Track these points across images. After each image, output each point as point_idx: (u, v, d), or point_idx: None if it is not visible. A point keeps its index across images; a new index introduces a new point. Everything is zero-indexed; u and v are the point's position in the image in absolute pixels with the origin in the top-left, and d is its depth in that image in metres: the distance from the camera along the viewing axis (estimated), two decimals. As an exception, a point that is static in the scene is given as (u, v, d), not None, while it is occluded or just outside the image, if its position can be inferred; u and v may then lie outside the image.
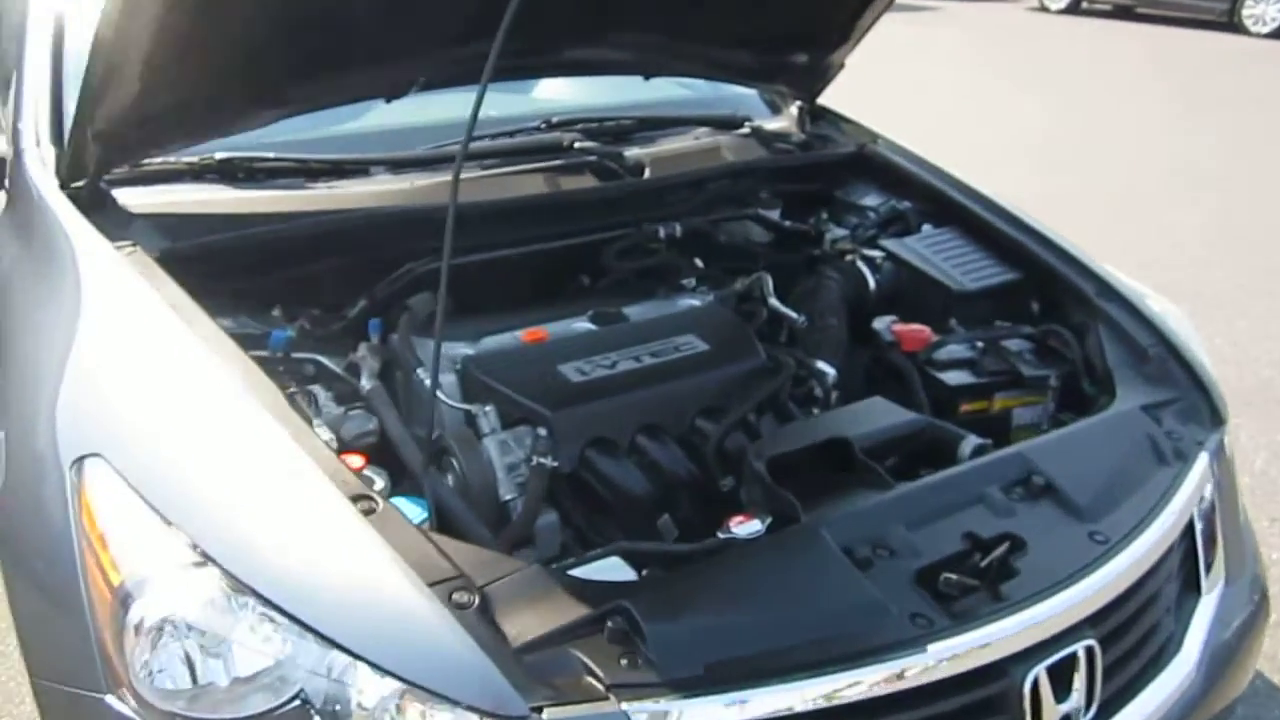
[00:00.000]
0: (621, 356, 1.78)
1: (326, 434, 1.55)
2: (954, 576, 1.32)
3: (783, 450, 1.56)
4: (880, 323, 2.06)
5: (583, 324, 1.92)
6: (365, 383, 1.68)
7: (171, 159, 1.89)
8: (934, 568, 1.34)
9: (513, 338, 1.84)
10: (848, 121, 2.62)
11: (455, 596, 1.18)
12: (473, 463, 1.60)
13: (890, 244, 2.23)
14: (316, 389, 1.69)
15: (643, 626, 1.18)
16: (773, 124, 2.57)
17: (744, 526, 1.40)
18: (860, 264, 2.18)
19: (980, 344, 2.01)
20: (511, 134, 2.24)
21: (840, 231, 2.32)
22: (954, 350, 1.99)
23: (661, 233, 2.18)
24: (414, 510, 1.43)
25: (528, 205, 2.11)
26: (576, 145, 2.25)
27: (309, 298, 1.90)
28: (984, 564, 1.35)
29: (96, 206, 1.75)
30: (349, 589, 1.21)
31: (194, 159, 1.90)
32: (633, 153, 2.30)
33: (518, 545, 1.56)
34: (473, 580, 1.21)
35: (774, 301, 2.08)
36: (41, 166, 1.85)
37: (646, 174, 2.28)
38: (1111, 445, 1.66)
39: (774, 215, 2.40)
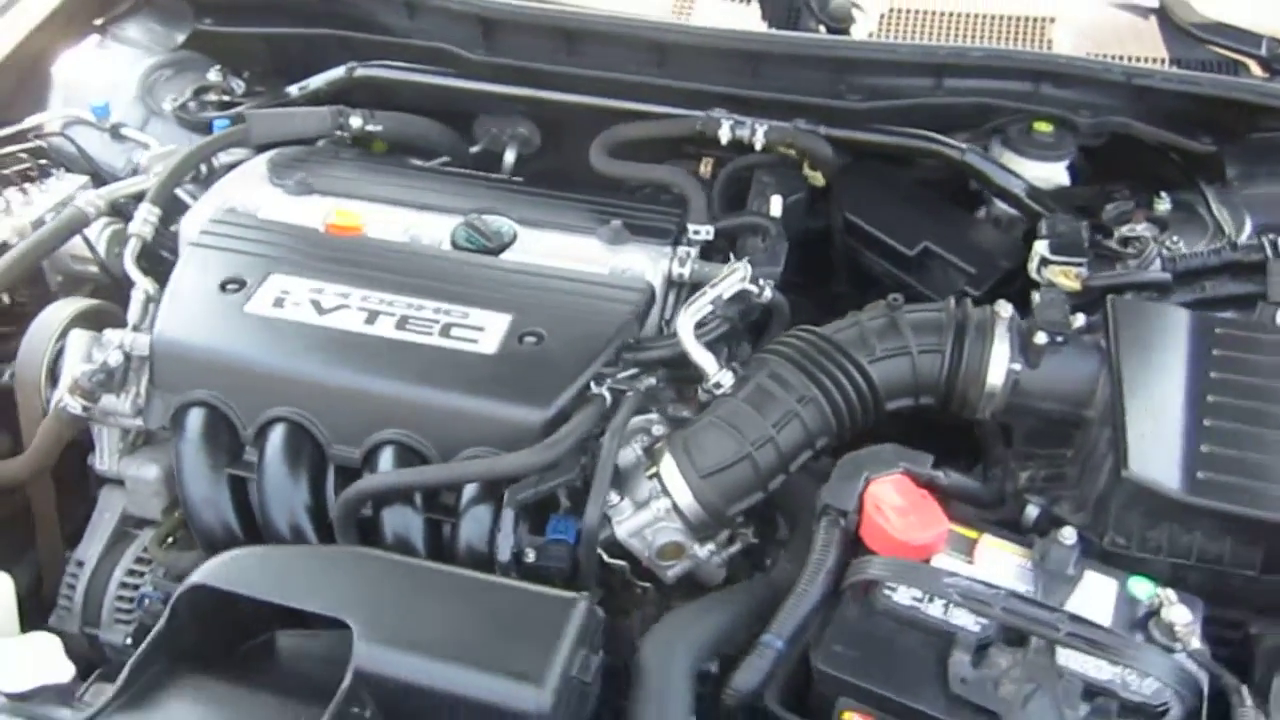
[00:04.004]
0: (372, 302, 1.19)
1: None
2: None
3: None
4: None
5: (439, 228, 1.32)
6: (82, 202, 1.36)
7: None
8: None
9: (327, 212, 1.33)
10: None
11: None
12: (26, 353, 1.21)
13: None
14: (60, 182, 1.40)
15: None
16: None
17: None
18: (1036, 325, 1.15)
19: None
20: None
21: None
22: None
23: (726, 130, 1.41)
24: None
25: (595, 30, 1.49)
26: None
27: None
28: None
29: None
30: None
31: None
32: None
33: None
34: None
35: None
36: None
37: (859, 32, 1.53)
38: None
39: (1051, 170, 1.42)
